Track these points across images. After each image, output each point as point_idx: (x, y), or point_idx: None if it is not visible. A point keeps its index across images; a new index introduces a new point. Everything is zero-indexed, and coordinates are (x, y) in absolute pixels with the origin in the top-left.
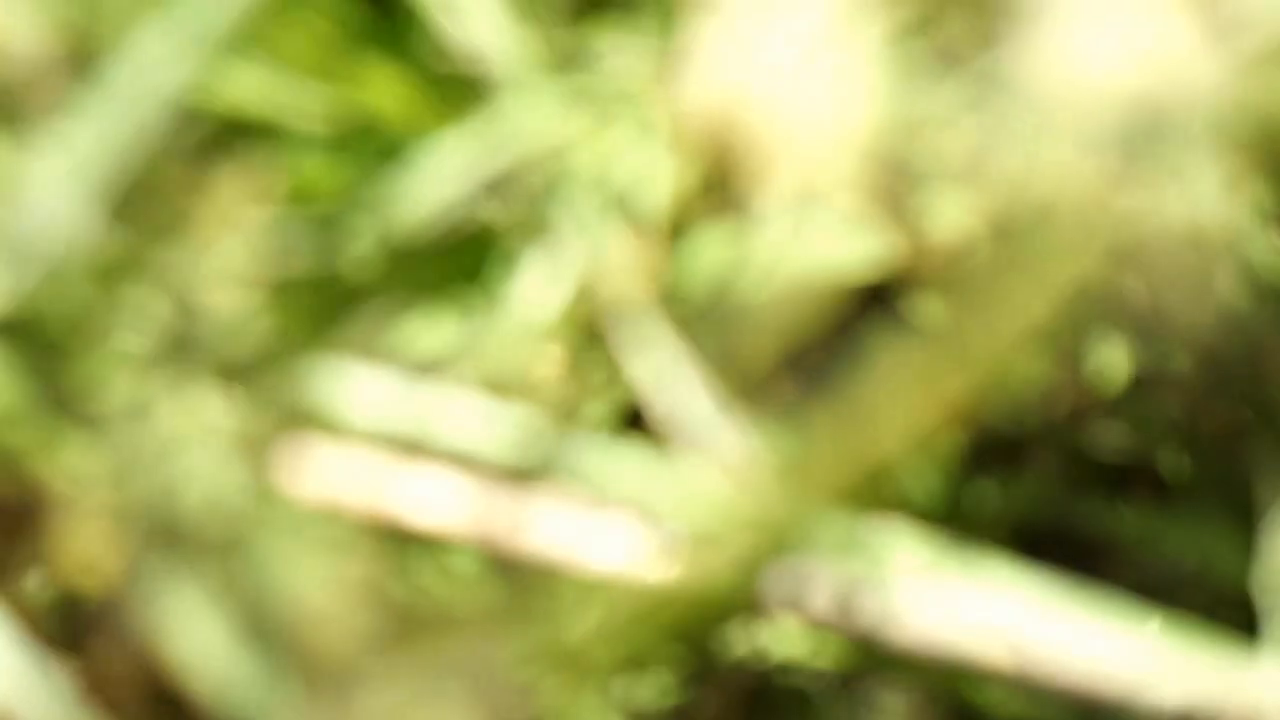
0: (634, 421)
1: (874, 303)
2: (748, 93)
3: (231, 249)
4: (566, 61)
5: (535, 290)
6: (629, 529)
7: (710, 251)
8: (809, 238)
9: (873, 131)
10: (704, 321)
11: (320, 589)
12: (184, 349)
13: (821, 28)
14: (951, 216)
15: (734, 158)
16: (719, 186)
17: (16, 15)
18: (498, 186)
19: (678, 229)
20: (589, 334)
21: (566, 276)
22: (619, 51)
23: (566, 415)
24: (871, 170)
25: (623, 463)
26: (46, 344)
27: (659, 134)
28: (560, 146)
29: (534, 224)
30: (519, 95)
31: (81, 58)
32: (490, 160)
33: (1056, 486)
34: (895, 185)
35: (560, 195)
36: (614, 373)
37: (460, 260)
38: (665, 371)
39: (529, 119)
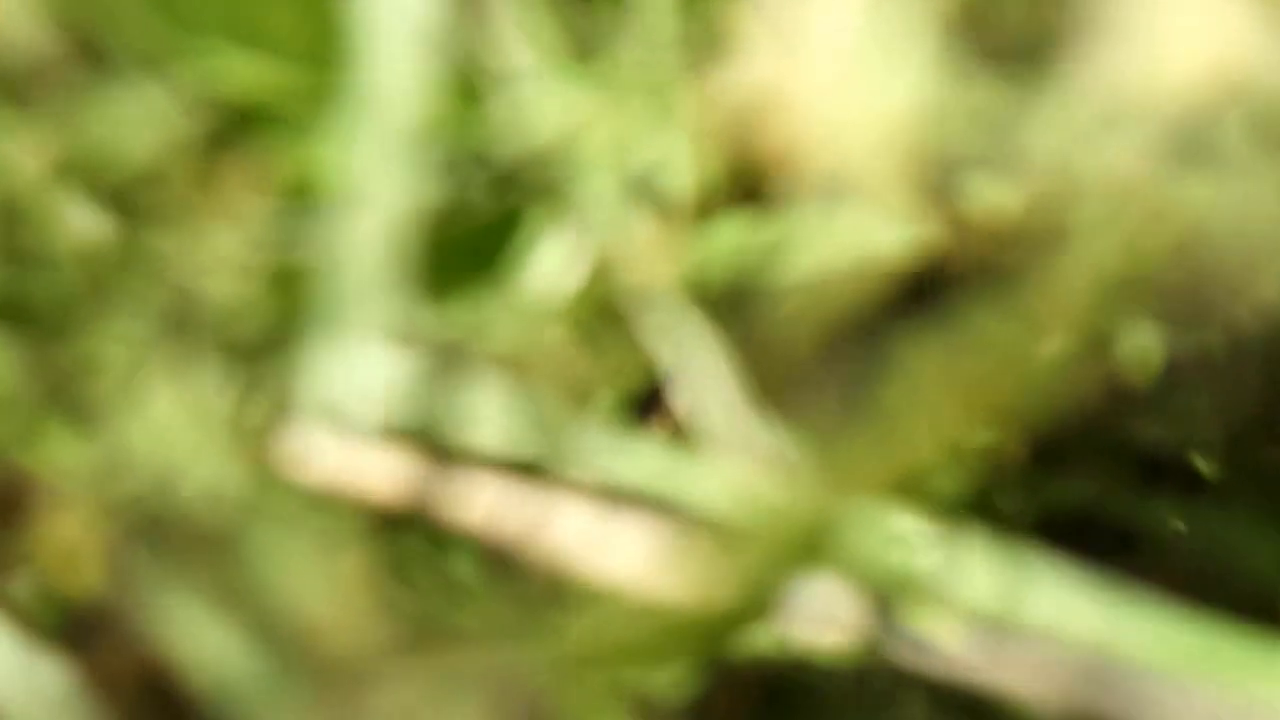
0: (654, 409)
1: (911, 295)
2: (786, 78)
3: (233, 236)
4: (587, 45)
5: (553, 276)
6: (647, 526)
7: (737, 237)
8: (843, 226)
9: (916, 121)
10: (730, 309)
11: (324, 586)
12: (182, 336)
13: (865, 13)
14: (995, 209)
15: (767, 144)
16: (748, 172)
17: (22, 5)
18: (516, 172)
19: (703, 214)
20: (609, 320)
21: (586, 262)
22: (642, 35)
23: (584, 403)
24: (913, 160)
25: (642, 456)
26: (39, 331)
27: (682, 118)
28: (581, 131)
29: (553, 209)
30: (539, 80)
31: (89, 48)
32: (508, 146)
33: (1088, 479)
34: (937, 176)
35: (580, 180)
36: (635, 360)
37: (476, 246)
38: (689, 360)
39: (549, 104)
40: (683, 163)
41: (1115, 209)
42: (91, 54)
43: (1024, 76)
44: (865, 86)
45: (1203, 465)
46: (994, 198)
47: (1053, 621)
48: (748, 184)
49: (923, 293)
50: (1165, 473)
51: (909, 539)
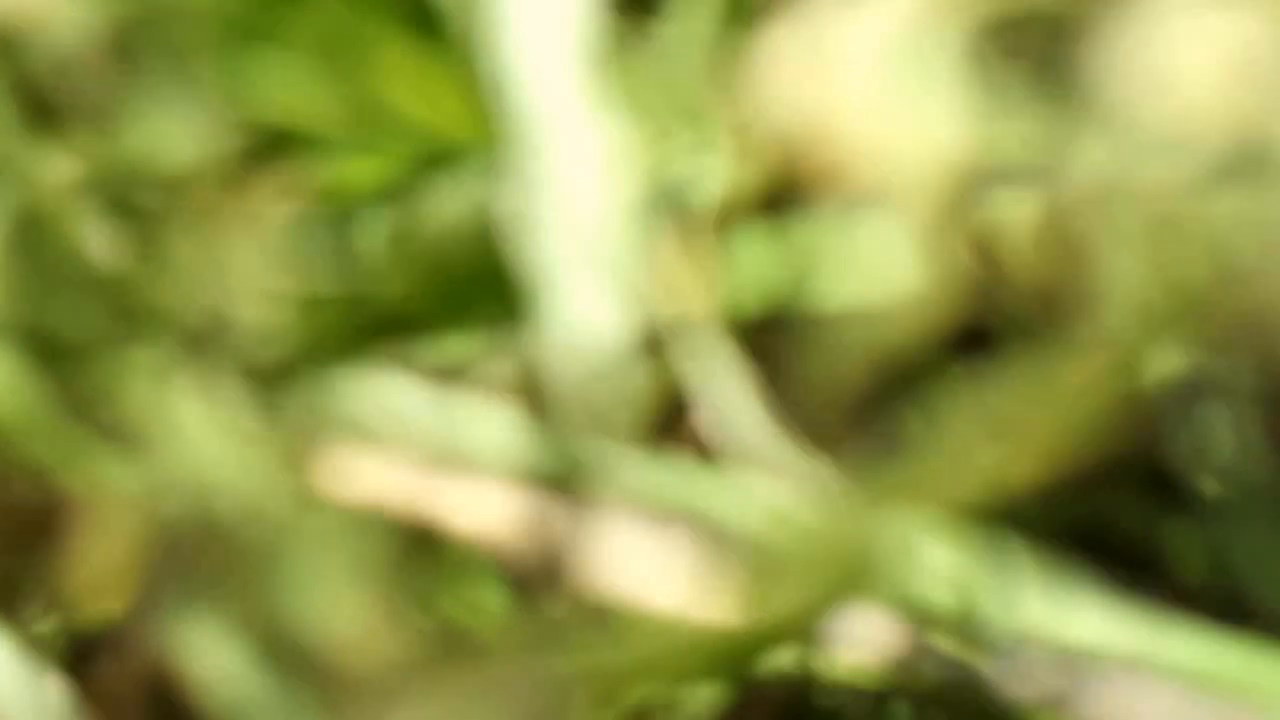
0: (677, 430)
1: (946, 317)
2: (824, 97)
3: (262, 256)
4: (614, 59)
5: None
6: (680, 547)
7: (767, 259)
8: (877, 247)
9: (953, 140)
10: (760, 332)
11: (351, 604)
12: (212, 355)
13: (901, 33)
14: (1030, 231)
15: (805, 162)
16: (784, 191)
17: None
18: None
19: (733, 235)
20: (643, 345)
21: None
22: (670, 50)
23: (612, 425)
24: (950, 180)
25: (673, 477)
26: (68, 349)
27: (711, 136)
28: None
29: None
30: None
31: (126, 47)
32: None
33: (1105, 497)
34: (974, 196)
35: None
36: (662, 382)
37: (500, 264)
38: (715, 382)
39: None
40: (712, 183)
41: (1149, 230)
42: (131, 62)
43: (1054, 94)
44: (902, 106)
45: (1221, 486)
46: (1028, 218)
47: (1080, 639)
48: (782, 202)
49: (958, 315)
50: (1183, 493)
51: (942, 561)
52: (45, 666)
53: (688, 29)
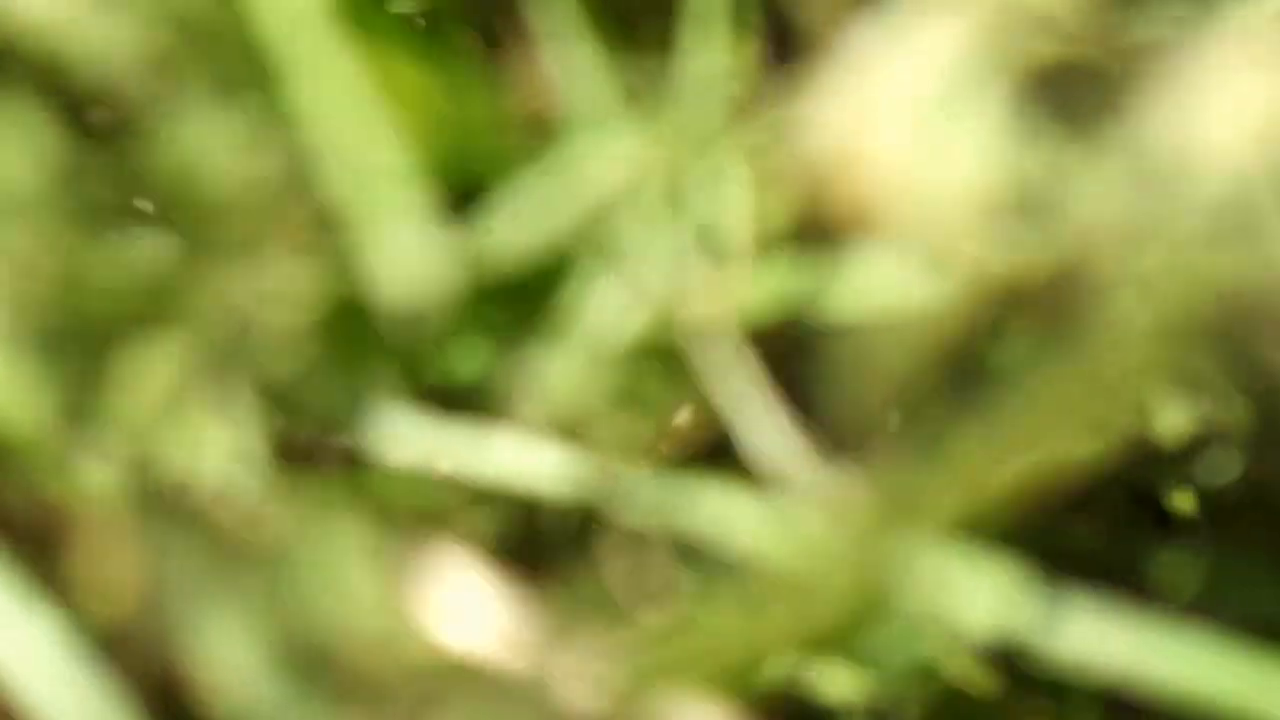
0: (716, 458)
1: (966, 348)
2: (860, 133)
3: (293, 271)
4: (646, 92)
5: (611, 323)
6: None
7: (797, 285)
8: (903, 278)
9: (986, 181)
10: (791, 356)
11: (368, 612)
12: (230, 367)
13: (941, 73)
14: (1055, 270)
15: (838, 197)
16: (816, 223)
17: (104, 22)
18: (574, 218)
19: (762, 260)
20: (668, 367)
21: (644, 309)
22: (700, 82)
23: (643, 451)
24: (980, 220)
25: (705, 501)
26: (89, 352)
27: (739, 165)
28: (638, 178)
29: (610, 255)
30: (598, 126)
31: (169, 65)
32: (569, 195)
33: (1102, 523)
34: (1001, 235)
35: (638, 227)
36: (696, 408)
37: (533, 291)
38: (748, 405)
39: (608, 151)
40: (741, 209)
41: (1162, 274)
42: (173, 76)
43: (1088, 138)
44: (938, 145)
45: (1223, 524)
46: (1049, 257)
47: (1090, 656)
48: (813, 234)
49: (978, 346)
50: (1186, 528)
51: (964, 580)
52: (89, 662)
53: (703, 63)
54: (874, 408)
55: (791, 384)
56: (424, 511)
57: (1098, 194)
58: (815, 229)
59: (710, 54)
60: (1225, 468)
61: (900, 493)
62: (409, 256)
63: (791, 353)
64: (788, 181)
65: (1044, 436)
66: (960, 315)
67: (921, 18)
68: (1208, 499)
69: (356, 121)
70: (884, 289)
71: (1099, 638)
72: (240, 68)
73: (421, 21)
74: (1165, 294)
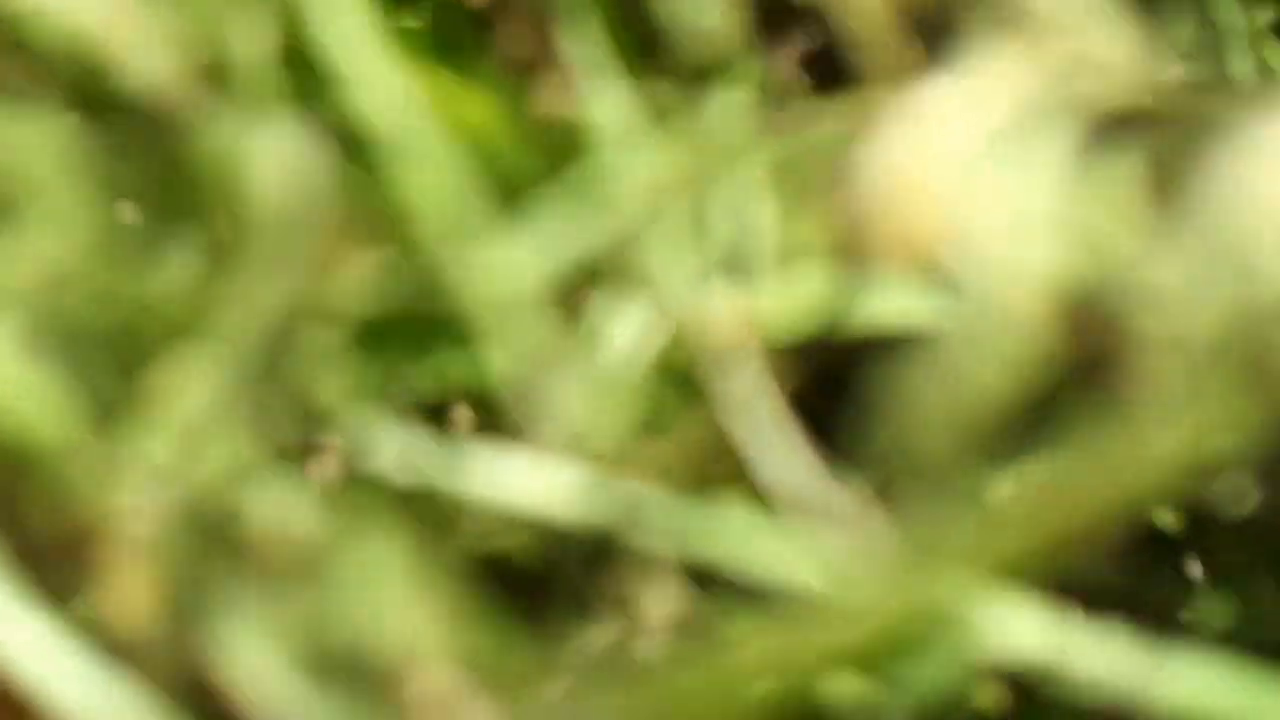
0: (734, 482)
1: (1027, 403)
2: (917, 166)
3: (326, 285)
4: (670, 114)
5: (630, 345)
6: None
7: (826, 309)
8: (942, 313)
9: (1044, 225)
10: (815, 381)
11: (406, 617)
12: (262, 380)
13: (1005, 110)
14: (1122, 334)
15: (888, 228)
16: (851, 254)
17: (147, 28)
18: (599, 237)
19: (788, 282)
20: (688, 389)
21: (666, 328)
22: (722, 104)
23: (661, 475)
24: (1035, 263)
25: (724, 528)
26: (113, 367)
27: (770, 188)
28: (665, 197)
29: (634, 274)
30: (622, 146)
31: (213, 70)
32: (594, 213)
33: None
34: (1068, 295)
35: (663, 246)
36: (715, 431)
37: (551, 310)
38: (767, 431)
39: (633, 170)
40: (766, 231)
41: (1219, 337)
42: (214, 84)
43: (1153, 192)
44: (996, 185)
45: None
46: (1104, 308)
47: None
48: (851, 263)
49: (1040, 402)
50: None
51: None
52: (116, 673)
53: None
54: (901, 440)
55: (813, 409)
56: (442, 529)
57: (1160, 249)
58: (853, 259)
59: (739, 75)
60: (1243, 497)
61: (932, 536)
62: (459, 267)
63: (815, 378)
64: (826, 208)
65: (1088, 490)
66: (1001, 358)
67: (981, 55)
68: (1226, 528)
69: (410, 133)
70: (919, 321)
71: (1118, 667)
72: (287, 78)
73: (446, 39)
74: (1219, 357)
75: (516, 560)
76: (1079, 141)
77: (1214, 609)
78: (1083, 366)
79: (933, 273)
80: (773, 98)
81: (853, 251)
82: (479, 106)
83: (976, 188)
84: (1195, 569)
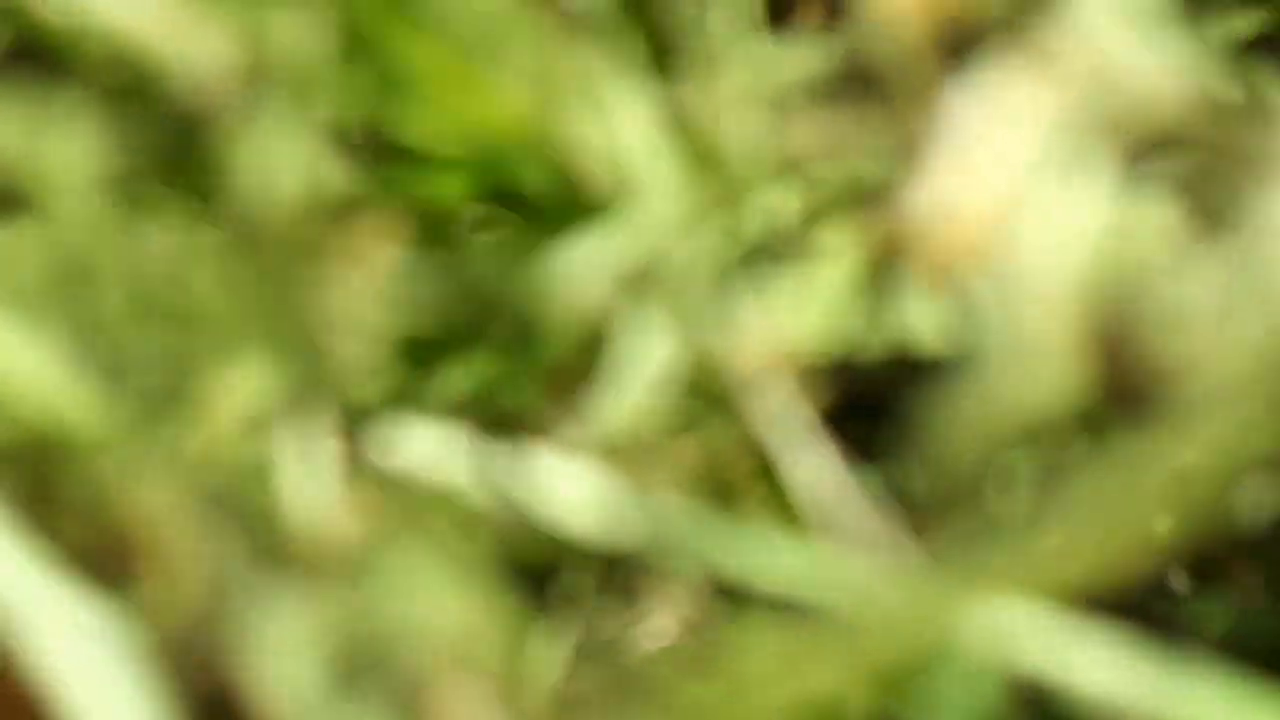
0: (764, 499)
1: (1072, 430)
2: (962, 190)
3: (363, 295)
4: (697, 129)
5: (660, 364)
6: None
7: (854, 328)
8: (975, 336)
9: (1087, 249)
10: (847, 403)
11: (436, 626)
12: (300, 389)
13: (1050, 134)
14: (1162, 355)
15: (932, 251)
16: (887, 275)
17: (193, 25)
18: (632, 255)
19: (821, 305)
20: (719, 407)
21: (697, 347)
22: (756, 120)
23: (691, 492)
24: (1087, 301)
25: (752, 546)
26: (154, 369)
27: (787, 202)
28: (689, 216)
29: (665, 293)
30: (657, 183)
31: (257, 67)
32: (629, 251)
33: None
34: (1111, 320)
35: (695, 264)
36: (745, 449)
37: (584, 339)
38: (798, 448)
39: (666, 208)
40: (798, 248)
41: (1257, 364)
42: (253, 92)
43: (1194, 214)
44: (1040, 209)
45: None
46: (1142, 332)
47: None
48: (887, 285)
49: (1083, 428)
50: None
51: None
52: (147, 671)
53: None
54: (937, 462)
55: (847, 429)
56: (476, 533)
57: (1199, 273)
58: (890, 279)
59: (765, 86)
60: (1264, 508)
61: (965, 556)
62: (497, 275)
63: (850, 398)
64: (864, 226)
65: (1120, 519)
66: (1038, 380)
67: (1013, 71)
68: (1245, 541)
69: (450, 142)
70: (956, 342)
71: (1135, 678)
72: (333, 89)
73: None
74: (1258, 384)
75: (539, 564)
76: (1119, 165)
77: (1207, 615)
78: (1119, 389)
79: (971, 294)
80: (800, 111)
81: (890, 271)
82: (511, 119)
83: (1017, 209)
84: (1184, 576)
